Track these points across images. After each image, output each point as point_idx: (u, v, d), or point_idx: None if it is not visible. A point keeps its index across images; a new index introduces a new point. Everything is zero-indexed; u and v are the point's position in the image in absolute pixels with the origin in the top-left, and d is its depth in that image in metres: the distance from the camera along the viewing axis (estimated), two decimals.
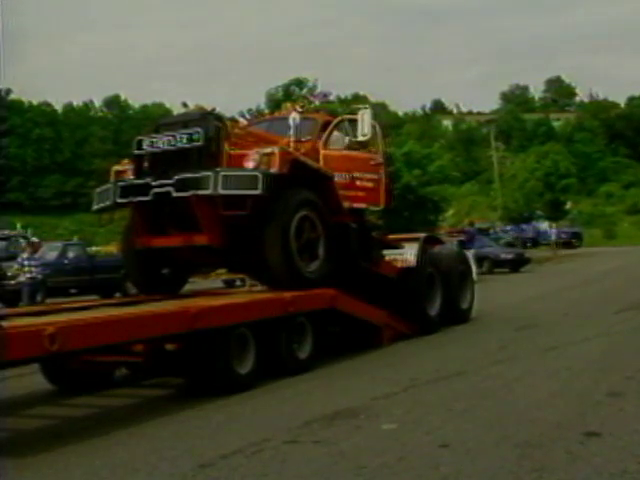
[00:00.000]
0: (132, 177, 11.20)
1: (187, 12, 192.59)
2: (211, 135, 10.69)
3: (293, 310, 10.69)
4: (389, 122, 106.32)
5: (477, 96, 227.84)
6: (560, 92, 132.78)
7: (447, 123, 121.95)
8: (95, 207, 11.61)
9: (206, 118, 10.94)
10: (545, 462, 6.05)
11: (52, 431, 8.46)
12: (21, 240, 28.64)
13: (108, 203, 11.22)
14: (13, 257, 23.92)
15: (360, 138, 13.00)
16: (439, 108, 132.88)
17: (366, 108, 13.28)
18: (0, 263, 25.82)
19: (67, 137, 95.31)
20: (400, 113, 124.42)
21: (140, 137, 11.15)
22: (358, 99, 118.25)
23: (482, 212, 75.65)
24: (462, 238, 35.40)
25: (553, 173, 70.07)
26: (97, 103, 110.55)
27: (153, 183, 10.59)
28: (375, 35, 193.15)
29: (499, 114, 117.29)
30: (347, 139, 13.15)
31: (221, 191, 10.20)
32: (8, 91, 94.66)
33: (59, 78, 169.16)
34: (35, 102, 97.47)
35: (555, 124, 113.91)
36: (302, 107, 13.47)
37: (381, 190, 13.55)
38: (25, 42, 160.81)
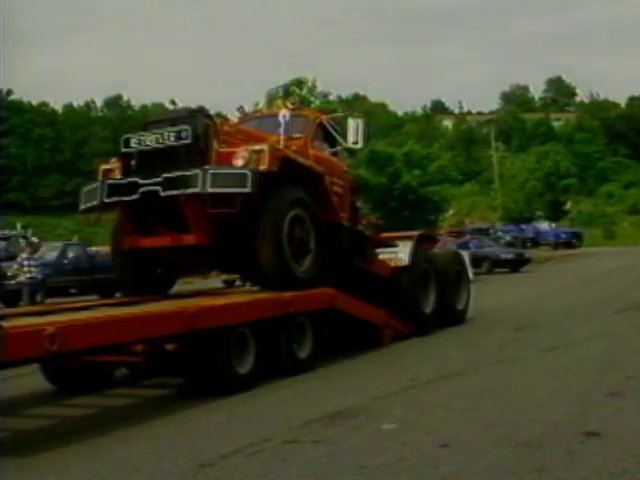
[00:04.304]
0: (120, 176, 11.01)
1: (187, 12, 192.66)
2: (199, 133, 10.50)
3: (293, 310, 10.67)
4: (389, 122, 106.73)
5: (477, 96, 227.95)
6: (560, 92, 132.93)
7: (447, 123, 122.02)
8: (82, 207, 11.40)
9: (194, 116, 10.77)
10: (545, 462, 6.05)
11: (52, 431, 8.45)
12: (21, 240, 28.61)
13: (95, 203, 10.99)
14: (13, 257, 23.89)
15: (350, 145, 13.04)
16: (439, 108, 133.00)
17: (359, 117, 13.29)
18: (0, 263, 25.81)
19: (67, 137, 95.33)
20: (400, 113, 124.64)
21: (128, 135, 10.99)
22: (358, 99, 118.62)
23: (482, 212, 75.71)
24: (467, 240, 35.53)
25: (553, 173, 70.37)
26: (98, 103, 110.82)
27: (141, 182, 10.42)
28: (375, 35, 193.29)
29: (499, 114, 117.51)
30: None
31: (209, 189, 10.04)
32: (9, 91, 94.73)
33: (60, 78, 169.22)
34: (35, 102, 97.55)
35: (555, 124, 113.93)
36: (294, 104, 13.31)
37: (347, 198, 13.31)
38: (26, 42, 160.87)
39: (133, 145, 10.77)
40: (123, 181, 10.74)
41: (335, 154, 13.36)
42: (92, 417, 9.14)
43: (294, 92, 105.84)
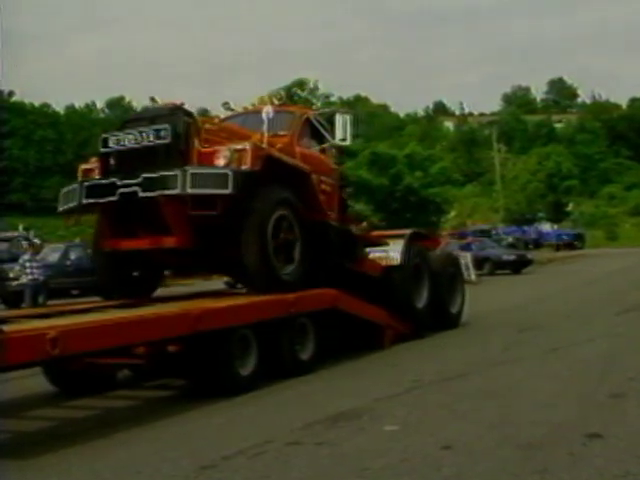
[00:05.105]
0: (98, 176, 10.76)
1: (191, 13, 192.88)
2: (179, 131, 10.19)
3: (295, 311, 10.64)
4: (391, 124, 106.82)
5: (479, 97, 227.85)
6: (562, 93, 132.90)
7: (449, 124, 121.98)
8: (61, 208, 11.15)
9: (174, 113, 10.43)
10: (547, 463, 6.04)
11: (54, 433, 8.46)
12: (23, 241, 28.64)
13: (74, 204, 10.71)
14: (15, 258, 23.93)
15: (338, 142, 12.78)
16: (441, 109, 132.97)
17: (347, 113, 13.09)
18: (2, 264, 25.84)
19: (69, 139, 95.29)
20: (402, 114, 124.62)
21: (106, 134, 10.72)
22: (360, 100, 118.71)
23: (484, 214, 75.68)
24: (469, 241, 35.54)
25: (555, 174, 70.39)
26: (99, 105, 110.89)
27: (119, 183, 10.11)
28: (377, 37, 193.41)
29: (501, 115, 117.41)
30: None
31: (189, 190, 9.74)
32: (10, 93, 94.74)
33: (62, 80, 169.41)
34: (37, 104, 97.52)
35: (557, 126, 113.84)
36: (279, 100, 12.96)
37: (335, 197, 13.03)
38: (27, 44, 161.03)
39: (111, 145, 10.49)
40: (101, 182, 10.46)
41: (323, 151, 13.06)
42: (94, 419, 9.13)
43: (296, 93, 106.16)
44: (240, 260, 10.60)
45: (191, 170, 9.85)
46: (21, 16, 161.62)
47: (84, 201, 10.53)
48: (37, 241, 26.12)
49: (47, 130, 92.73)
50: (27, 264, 20.26)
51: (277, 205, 10.74)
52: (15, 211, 68.41)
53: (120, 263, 11.39)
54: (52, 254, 26.79)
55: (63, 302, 18.63)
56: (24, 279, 20.25)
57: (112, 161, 10.56)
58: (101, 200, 10.39)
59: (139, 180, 9.96)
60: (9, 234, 34.47)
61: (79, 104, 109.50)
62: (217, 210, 9.94)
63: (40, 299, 20.11)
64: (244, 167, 10.05)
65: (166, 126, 10.17)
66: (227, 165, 10.11)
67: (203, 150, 10.42)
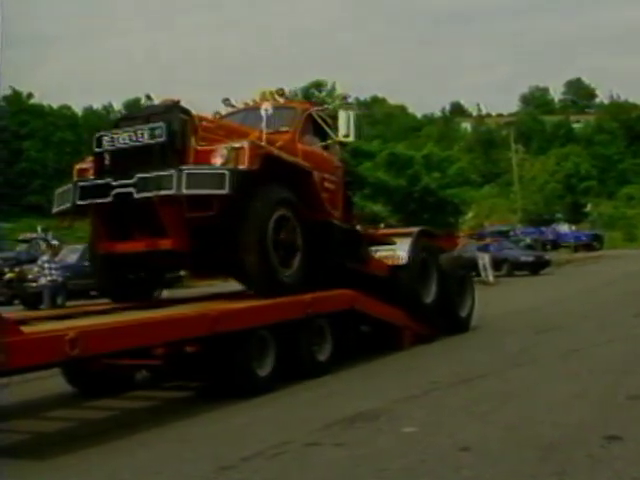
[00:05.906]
0: (93, 176, 10.49)
1: (206, 15, 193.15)
2: (175, 129, 9.93)
3: (312, 312, 10.63)
4: (408, 125, 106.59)
5: (496, 98, 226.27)
6: (580, 94, 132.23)
7: (466, 125, 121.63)
8: (55, 210, 10.90)
9: (170, 111, 10.17)
10: (566, 465, 6.02)
11: (73, 433, 8.50)
12: (42, 243, 28.77)
13: (68, 205, 10.44)
14: (34, 260, 24.05)
15: (341, 138, 12.49)
16: (458, 110, 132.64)
17: (350, 109, 12.87)
18: (21, 266, 25.99)
19: (88, 140, 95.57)
20: (419, 115, 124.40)
21: (100, 133, 10.43)
22: (377, 101, 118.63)
23: (502, 214, 75.42)
24: (488, 242, 35.38)
25: (573, 175, 70.08)
26: (116, 106, 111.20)
27: (114, 183, 9.85)
28: (394, 38, 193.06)
29: (519, 116, 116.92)
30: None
31: (185, 191, 9.47)
32: (29, 95, 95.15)
33: (79, 81, 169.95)
34: (55, 105, 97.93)
35: (575, 126, 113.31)
36: (281, 95, 12.68)
37: (339, 195, 12.79)
38: (44, 46, 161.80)
39: (105, 144, 10.23)
40: (96, 182, 10.21)
41: (326, 148, 12.77)
42: (112, 419, 9.17)
43: (312, 95, 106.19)
44: (239, 262, 10.39)
45: (187, 170, 9.62)
46: (40, 19, 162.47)
47: (78, 202, 10.29)
48: (55, 242, 26.16)
49: (66, 132, 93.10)
50: (46, 265, 20.36)
51: (277, 205, 10.47)
52: (34, 213, 68.69)
53: (116, 266, 11.11)
54: (70, 255, 26.88)
55: (82, 303, 18.71)
56: (43, 280, 20.34)
57: (107, 161, 10.30)
58: (95, 201, 10.15)
59: (134, 180, 9.74)
60: (28, 235, 34.65)
61: (97, 106, 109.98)
62: (214, 211, 9.72)
63: (59, 300, 20.18)
64: (241, 166, 9.75)
65: (161, 124, 9.92)
66: (224, 164, 9.83)
67: (200, 149, 10.16)
